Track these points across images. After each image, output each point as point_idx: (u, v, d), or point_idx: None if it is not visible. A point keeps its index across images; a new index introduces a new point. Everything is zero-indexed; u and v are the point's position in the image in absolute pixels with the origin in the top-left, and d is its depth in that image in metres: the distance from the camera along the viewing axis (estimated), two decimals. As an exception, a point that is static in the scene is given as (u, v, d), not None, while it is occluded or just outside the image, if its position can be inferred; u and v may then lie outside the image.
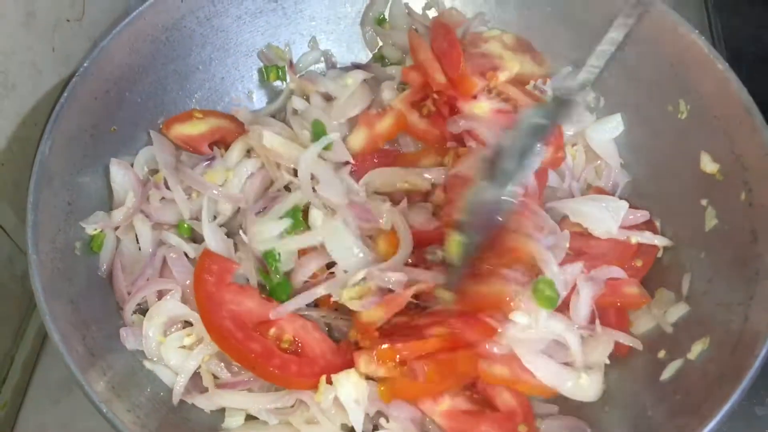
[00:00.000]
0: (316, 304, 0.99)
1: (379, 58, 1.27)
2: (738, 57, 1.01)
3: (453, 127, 1.05)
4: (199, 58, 1.16)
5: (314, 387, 0.90)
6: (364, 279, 0.93)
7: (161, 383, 0.95)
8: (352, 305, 0.92)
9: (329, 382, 0.89)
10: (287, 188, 1.06)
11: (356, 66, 1.23)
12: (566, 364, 0.93)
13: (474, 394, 0.94)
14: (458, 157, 1.04)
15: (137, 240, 1.03)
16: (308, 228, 1.00)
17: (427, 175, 1.04)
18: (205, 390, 0.94)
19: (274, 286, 0.98)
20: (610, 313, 0.98)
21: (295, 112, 1.14)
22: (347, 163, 1.05)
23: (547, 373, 0.91)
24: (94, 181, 1.03)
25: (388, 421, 0.91)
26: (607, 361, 0.96)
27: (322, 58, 1.27)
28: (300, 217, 1.00)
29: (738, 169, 0.93)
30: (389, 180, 1.04)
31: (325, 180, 1.00)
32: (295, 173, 1.03)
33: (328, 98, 1.16)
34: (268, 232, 0.98)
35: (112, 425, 0.80)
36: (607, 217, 0.99)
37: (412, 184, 1.04)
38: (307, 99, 1.16)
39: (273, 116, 1.19)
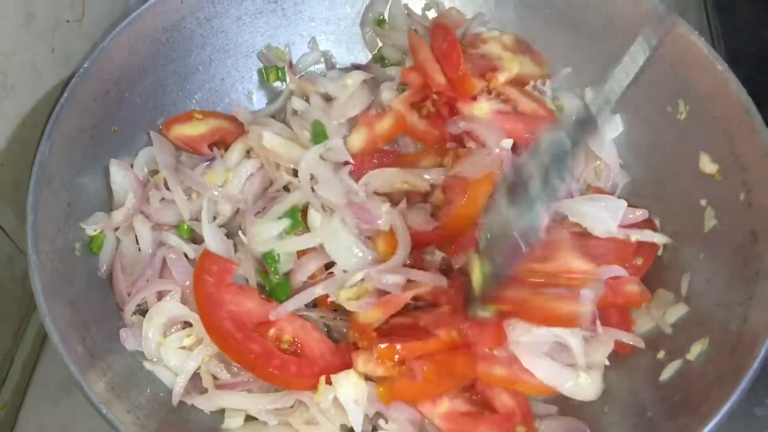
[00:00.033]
0: (315, 304, 0.99)
1: (379, 59, 1.27)
2: (737, 57, 1.01)
3: (452, 128, 1.05)
4: (199, 59, 1.17)
5: (314, 387, 0.90)
6: (362, 280, 0.93)
7: (161, 384, 0.95)
8: (349, 306, 0.93)
9: (329, 382, 0.89)
10: (286, 189, 1.06)
11: (356, 67, 1.23)
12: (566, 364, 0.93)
13: (473, 396, 0.94)
14: (458, 157, 1.04)
15: (137, 241, 1.04)
16: (307, 228, 1.00)
17: (426, 176, 1.04)
18: (204, 391, 0.94)
19: (274, 287, 0.98)
20: (611, 312, 0.98)
21: (294, 112, 1.14)
22: (347, 163, 1.05)
23: (547, 373, 0.91)
24: (93, 181, 1.03)
25: (387, 422, 0.91)
26: (607, 362, 0.96)
27: (322, 59, 1.27)
28: (299, 217, 1.00)
29: (737, 170, 0.93)
30: (388, 180, 1.04)
31: (325, 180, 1.00)
32: (294, 173, 1.03)
33: (327, 99, 1.16)
34: (267, 233, 0.98)
35: (111, 426, 0.80)
36: (606, 216, 0.99)
37: (411, 184, 1.04)
38: (307, 100, 1.16)
39: (273, 117, 1.18)
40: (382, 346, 0.89)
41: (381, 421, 0.92)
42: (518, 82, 1.12)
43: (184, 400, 0.94)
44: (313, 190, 1.00)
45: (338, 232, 0.97)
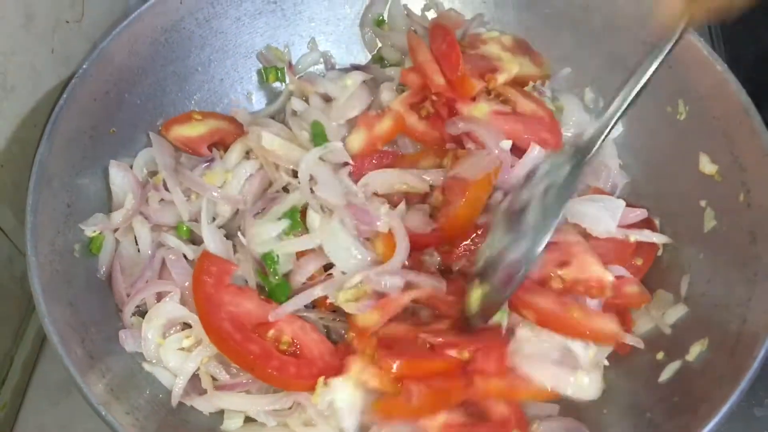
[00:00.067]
0: (314, 305, 0.99)
1: (378, 60, 1.27)
2: (737, 58, 1.01)
3: (452, 129, 1.05)
4: (198, 59, 1.16)
5: (312, 389, 0.89)
6: (361, 282, 0.93)
7: (160, 385, 0.95)
8: (348, 308, 0.92)
9: (327, 383, 0.89)
10: (285, 189, 1.06)
11: (355, 67, 1.23)
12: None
13: (469, 407, 0.92)
14: (457, 158, 1.03)
15: (136, 242, 1.04)
16: (306, 229, 1.00)
17: (425, 177, 1.04)
18: (204, 392, 0.94)
19: (273, 288, 0.98)
20: (612, 313, 0.98)
21: (294, 113, 1.14)
22: (346, 164, 1.05)
23: (549, 378, 0.91)
24: (93, 182, 1.03)
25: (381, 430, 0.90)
26: (606, 363, 0.96)
27: (321, 60, 1.27)
28: (298, 218, 1.00)
29: (737, 170, 0.93)
30: (388, 182, 1.04)
31: (324, 181, 1.00)
32: (293, 174, 1.03)
33: (327, 99, 1.16)
34: (266, 234, 0.98)
35: (110, 428, 0.80)
36: (605, 216, 0.98)
37: (410, 186, 1.04)
38: (307, 100, 1.16)
39: (272, 117, 1.18)
40: (386, 360, 0.88)
41: (375, 428, 0.90)
42: (518, 83, 1.12)
43: (184, 401, 0.94)
44: (312, 191, 1.00)
45: (337, 233, 0.97)
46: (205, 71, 1.18)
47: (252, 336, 0.91)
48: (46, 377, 1.09)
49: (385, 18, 1.27)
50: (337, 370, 0.90)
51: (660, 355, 0.94)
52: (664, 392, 0.89)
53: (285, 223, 0.99)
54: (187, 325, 0.98)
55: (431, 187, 1.05)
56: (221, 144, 1.13)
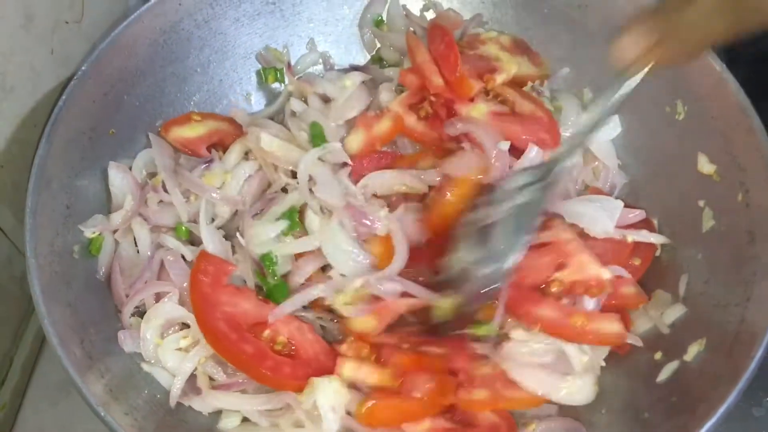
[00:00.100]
0: (309, 305, 0.99)
1: (377, 60, 1.27)
2: (735, 58, 1.01)
3: (450, 130, 1.05)
4: (197, 60, 1.16)
5: (306, 390, 0.89)
6: (361, 286, 0.93)
7: (158, 385, 0.95)
8: (345, 311, 0.92)
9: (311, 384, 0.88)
10: (284, 190, 1.06)
11: (354, 68, 1.23)
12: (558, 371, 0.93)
13: (455, 414, 0.92)
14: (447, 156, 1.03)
15: (135, 243, 1.04)
16: (304, 230, 0.99)
17: (423, 177, 1.04)
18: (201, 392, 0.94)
19: (271, 288, 0.98)
20: (613, 313, 0.98)
21: (293, 114, 1.14)
22: (345, 164, 1.05)
23: (539, 384, 0.91)
24: (92, 184, 1.03)
25: None
26: (603, 363, 0.96)
27: (321, 60, 1.27)
28: (296, 219, 0.99)
29: (735, 170, 0.93)
30: (387, 183, 1.04)
31: (323, 181, 1.00)
32: (292, 175, 1.03)
33: (326, 100, 1.16)
34: (265, 235, 0.98)
35: (109, 428, 0.80)
36: (603, 217, 0.98)
37: (409, 186, 1.04)
38: (305, 101, 1.16)
39: (271, 118, 1.18)
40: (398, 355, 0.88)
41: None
42: (516, 83, 1.12)
43: (182, 401, 0.94)
44: (311, 192, 1.00)
45: (336, 235, 0.96)
46: (204, 72, 1.18)
47: (247, 336, 0.91)
48: (45, 378, 1.09)
49: (384, 18, 1.27)
50: (332, 371, 0.90)
51: (658, 355, 0.94)
52: (662, 392, 0.89)
53: (283, 224, 0.99)
54: (185, 326, 0.98)
55: (430, 187, 1.05)
56: (220, 145, 1.13)
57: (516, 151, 1.03)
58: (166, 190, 1.05)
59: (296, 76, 1.24)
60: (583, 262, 0.93)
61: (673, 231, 1.03)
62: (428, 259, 0.97)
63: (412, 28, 1.24)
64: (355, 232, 0.98)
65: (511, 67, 1.10)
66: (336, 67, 1.27)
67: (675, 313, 0.96)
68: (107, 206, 1.05)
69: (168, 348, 0.95)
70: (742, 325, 0.84)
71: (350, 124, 1.10)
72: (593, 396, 0.92)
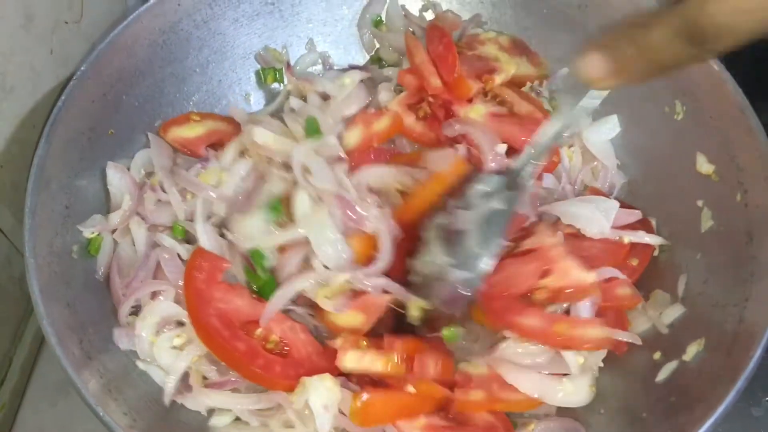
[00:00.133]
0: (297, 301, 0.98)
1: (376, 60, 1.27)
2: (734, 58, 1.00)
3: (448, 131, 1.05)
4: (197, 61, 1.17)
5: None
6: (347, 281, 0.92)
7: (154, 384, 0.95)
8: (324, 304, 0.91)
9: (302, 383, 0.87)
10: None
11: (353, 68, 1.23)
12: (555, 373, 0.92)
13: (451, 412, 0.92)
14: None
15: (134, 243, 1.04)
16: (290, 218, 0.97)
17: (417, 176, 1.02)
18: (196, 391, 0.94)
19: (262, 285, 0.97)
20: (608, 314, 0.98)
21: (291, 110, 1.14)
22: (341, 159, 1.04)
23: (534, 386, 0.90)
24: (91, 184, 1.03)
25: None
26: (601, 364, 0.95)
27: (320, 60, 1.27)
28: (278, 205, 0.98)
29: (734, 171, 0.93)
30: (381, 177, 1.03)
31: (318, 170, 0.98)
32: (286, 169, 1.01)
33: (325, 98, 1.16)
34: (250, 227, 0.97)
35: (108, 428, 0.80)
36: (599, 217, 0.98)
37: (403, 185, 1.03)
38: (305, 100, 1.16)
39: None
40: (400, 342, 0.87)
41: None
42: (515, 84, 1.12)
43: (176, 399, 0.94)
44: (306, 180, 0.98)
45: (325, 224, 0.94)
46: (204, 72, 1.18)
47: (239, 333, 0.91)
48: (44, 378, 1.09)
49: (383, 19, 1.27)
50: (324, 371, 0.88)
51: (657, 355, 0.94)
52: (660, 392, 0.89)
53: (266, 213, 0.97)
54: (181, 324, 0.97)
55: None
56: (219, 145, 1.12)
57: (514, 152, 1.03)
58: (163, 190, 1.05)
59: (295, 77, 1.24)
60: (567, 268, 0.91)
61: (672, 231, 1.03)
62: (399, 257, 0.96)
63: (411, 29, 1.24)
64: (342, 226, 0.96)
65: (510, 67, 1.10)
66: (335, 67, 1.27)
67: (674, 313, 0.96)
68: (106, 206, 1.05)
69: (162, 346, 0.95)
70: (741, 325, 0.84)
71: (348, 122, 1.10)
72: (590, 398, 0.92)
